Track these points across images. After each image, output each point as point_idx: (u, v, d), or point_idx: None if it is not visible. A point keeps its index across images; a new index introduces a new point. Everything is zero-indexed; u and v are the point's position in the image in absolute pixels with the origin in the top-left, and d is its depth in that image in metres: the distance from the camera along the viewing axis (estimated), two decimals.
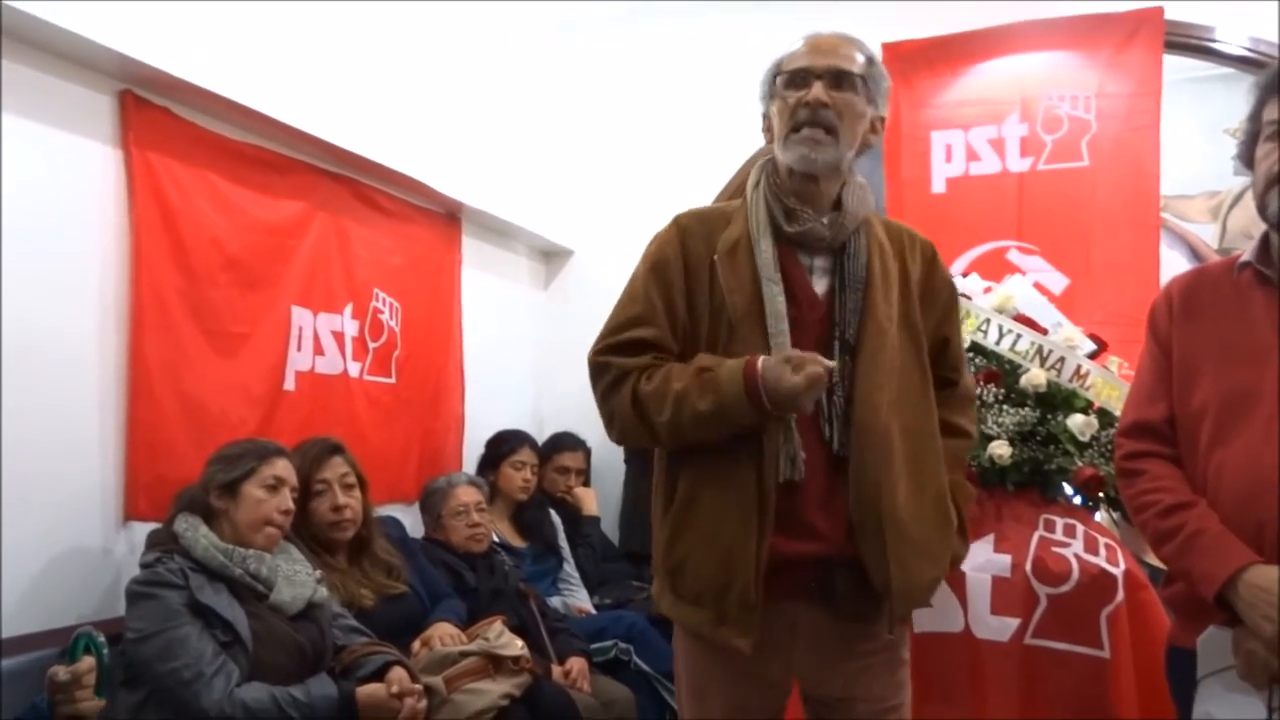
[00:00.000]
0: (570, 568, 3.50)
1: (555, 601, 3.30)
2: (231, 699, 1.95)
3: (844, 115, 1.59)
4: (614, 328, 1.67)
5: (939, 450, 1.65)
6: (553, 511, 3.61)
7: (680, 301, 1.63)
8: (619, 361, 1.62)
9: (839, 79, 1.59)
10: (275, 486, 2.21)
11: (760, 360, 1.51)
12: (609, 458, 3.98)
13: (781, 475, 1.53)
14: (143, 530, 2.33)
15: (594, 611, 3.36)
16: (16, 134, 2.18)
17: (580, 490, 3.78)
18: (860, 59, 1.62)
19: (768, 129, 1.68)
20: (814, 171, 1.61)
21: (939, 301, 1.72)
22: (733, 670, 1.61)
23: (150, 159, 2.44)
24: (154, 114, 2.47)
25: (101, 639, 1.67)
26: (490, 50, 3.85)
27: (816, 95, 1.57)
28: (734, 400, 1.50)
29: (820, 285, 1.63)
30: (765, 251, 1.60)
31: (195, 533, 2.11)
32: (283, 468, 2.25)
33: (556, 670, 2.78)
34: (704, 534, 1.57)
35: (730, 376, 1.51)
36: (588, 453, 3.88)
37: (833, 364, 1.51)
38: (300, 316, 2.94)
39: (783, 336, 1.56)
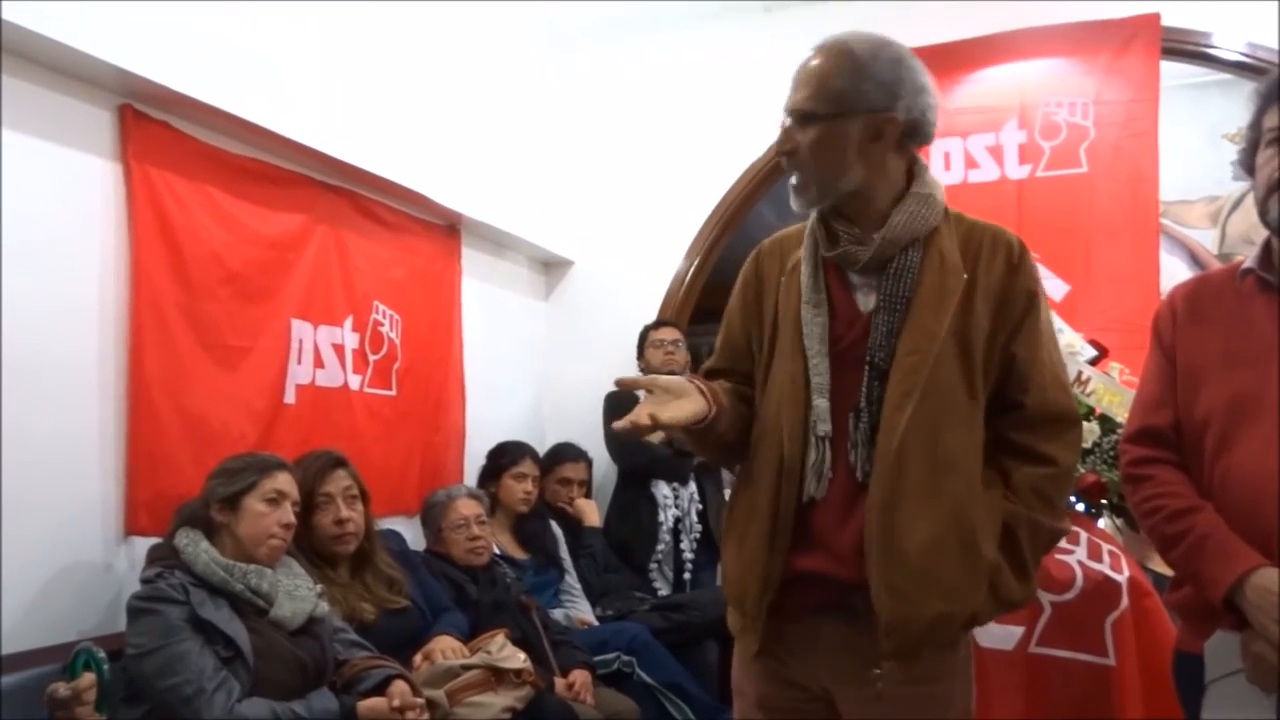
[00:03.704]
0: (572, 579, 3.49)
1: (557, 613, 3.29)
2: (233, 715, 1.94)
3: (809, 154, 1.54)
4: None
5: (972, 476, 1.52)
6: (554, 523, 3.60)
7: (743, 329, 1.71)
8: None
9: (802, 119, 1.55)
10: (276, 500, 2.20)
11: None
12: (611, 469, 3.97)
13: (806, 493, 1.55)
14: (143, 545, 2.32)
15: (596, 623, 3.35)
16: (16, 149, 2.19)
17: (581, 502, 3.77)
18: (835, 82, 1.52)
19: None
20: (804, 212, 1.63)
21: (1012, 314, 1.55)
22: (760, 670, 1.65)
23: (150, 173, 2.45)
24: (153, 128, 2.47)
25: (102, 655, 1.66)
26: (488, 62, 3.86)
27: (779, 145, 1.58)
28: None
29: (866, 304, 1.58)
30: (806, 273, 1.61)
31: (196, 548, 2.10)
32: (284, 481, 2.24)
33: (559, 683, 2.77)
34: (736, 543, 1.64)
35: None
36: (589, 464, 3.87)
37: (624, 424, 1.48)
38: (300, 329, 2.93)
39: (819, 358, 1.57)
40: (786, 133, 1.57)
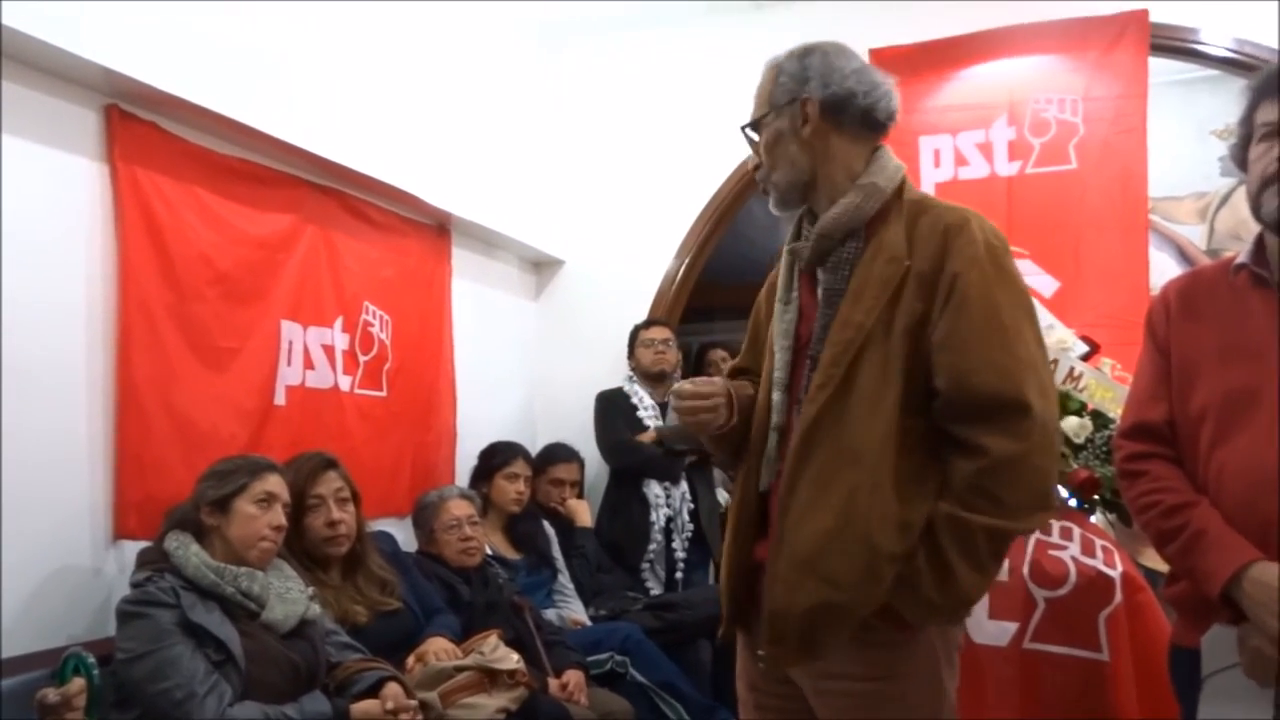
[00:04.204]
0: (565, 579, 3.48)
1: (550, 614, 3.28)
2: (224, 718, 1.92)
3: (764, 158, 1.67)
4: None
5: (878, 468, 1.49)
6: (546, 523, 3.59)
7: (763, 328, 1.77)
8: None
9: (751, 132, 1.68)
10: (267, 502, 2.18)
11: None
12: (602, 469, 3.96)
13: (760, 485, 1.63)
14: (133, 549, 2.30)
15: (589, 623, 3.34)
16: (1, 150, 2.16)
17: (574, 502, 3.76)
18: (762, 90, 1.67)
19: None
20: (786, 214, 1.70)
21: (937, 296, 1.50)
22: (746, 651, 1.72)
23: (137, 174, 2.42)
24: (140, 128, 2.45)
25: (91, 660, 1.65)
26: (477, 61, 3.85)
27: (750, 166, 1.72)
28: None
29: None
30: (783, 272, 1.69)
31: (186, 551, 2.09)
32: (274, 483, 2.22)
33: (553, 683, 2.76)
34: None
35: None
36: (581, 464, 3.86)
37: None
38: (290, 330, 2.91)
39: (781, 353, 1.64)
40: (752, 152, 1.70)
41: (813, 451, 1.53)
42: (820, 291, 1.60)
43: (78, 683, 1.61)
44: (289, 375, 2.90)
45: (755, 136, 1.68)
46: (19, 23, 2.05)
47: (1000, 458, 1.45)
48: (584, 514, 3.73)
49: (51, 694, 1.59)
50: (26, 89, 2.22)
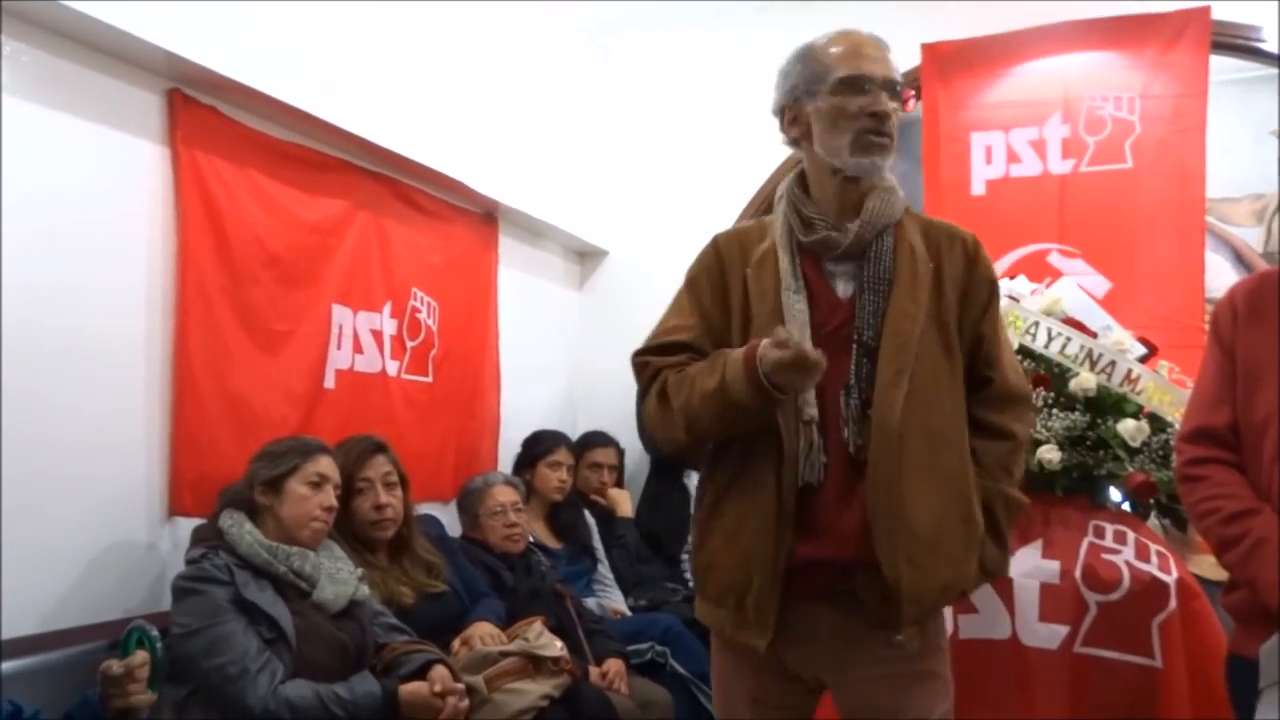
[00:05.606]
0: (605, 569, 3.49)
1: (590, 603, 3.29)
2: (276, 695, 1.95)
3: (893, 123, 1.65)
4: (655, 334, 1.78)
5: (963, 450, 1.62)
6: (587, 513, 3.60)
7: (714, 310, 1.70)
8: (656, 360, 1.72)
9: (892, 90, 1.63)
10: (319, 483, 2.21)
11: (762, 341, 1.53)
12: (643, 460, 3.97)
13: (801, 479, 1.57)
14: (187, 526, 2.34)
15: (629, 613, 3.35)
16: (66, 131, 2.21)
17: (614, 492, 3.77)
18: (892, 65, 1.67)
19: (793, 124, 1.70)
20: (872, 177, 1.64)
21: (978, 299, 1.67)
22: (752, 664, 1.65)
23: (197, 157, 2.46)
24: (201, 113, 2.49)
25: (155, 633, 1.68)
26: (527, 53, 3.86)
27: (885, 107, 1.61)
28: (734, 375, 1.53)
29: (845, 290, 1.65)
30: (785, 261, 1.66)
31: (240, 529, 2.12)
32: (326, 465, 2.25)
33: (594, 672, 2.77)
34: (727, 537, 1.62)
35: (734, 355, 1.56)
36: (620, 451, 3.86)
37: (817, 353, 1.48)
38: (340, 315, 2.95)
39: (804, 341, 1.60)
40: (881, 98, 1.60)
41: (909, 437, 1.56)
42: (855, 281, 1.63)
43: (140, 655, 1.63)
44: (338, 359, 2.94)
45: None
46: (86, 6, 2.09)
47: (1021, 441, 1.71)
48: (624, 504, 3.74)
49: (115, 665, 1.62)
50: (92, 71, 2.27)
